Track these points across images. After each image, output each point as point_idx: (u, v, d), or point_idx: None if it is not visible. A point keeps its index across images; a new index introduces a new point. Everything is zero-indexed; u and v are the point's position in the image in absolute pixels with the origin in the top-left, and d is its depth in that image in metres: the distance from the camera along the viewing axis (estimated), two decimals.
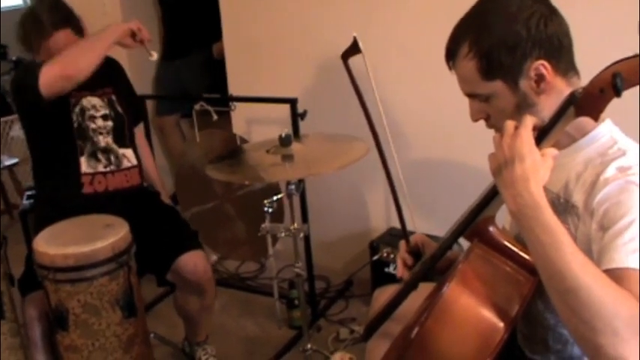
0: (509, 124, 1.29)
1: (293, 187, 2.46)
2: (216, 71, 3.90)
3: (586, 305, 1.12)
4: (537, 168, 1.23)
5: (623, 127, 1.43)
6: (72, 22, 2.49)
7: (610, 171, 1.30)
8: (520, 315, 1.36)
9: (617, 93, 1.20)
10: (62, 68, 2.31)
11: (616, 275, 1.16)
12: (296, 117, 2.93)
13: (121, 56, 4.25)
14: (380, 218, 3.29)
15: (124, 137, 2.71)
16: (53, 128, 2.56)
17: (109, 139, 2.65)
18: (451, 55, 1.45)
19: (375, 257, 3.10)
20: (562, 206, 1.39)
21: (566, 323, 1.18)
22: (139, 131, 2.93)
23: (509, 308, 1.35)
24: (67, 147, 2.57)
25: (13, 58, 7.09)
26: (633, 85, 1.21)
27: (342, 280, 3.52)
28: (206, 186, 3.20)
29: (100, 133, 2.63)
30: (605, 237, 1.24)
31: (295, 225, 2.52)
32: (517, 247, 1.40)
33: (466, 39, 1.40)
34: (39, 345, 2.28)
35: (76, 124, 2.58)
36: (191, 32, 4.23)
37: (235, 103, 3.39)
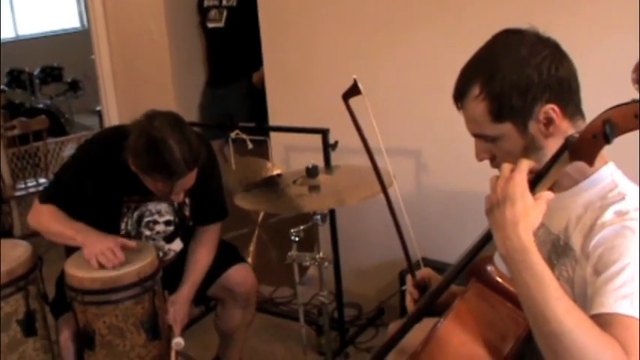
0: (506, 167, 1.31)
1: (319, 217, 2.51)
2: (258, 99, 3.97)
3: (569, 350, 1.14)
4: (528, 212, 1.25)
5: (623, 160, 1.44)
6: (200, 161, 2.27)
7: (608, 215, 1.31)
8: (514, 354, 1.38)
9: (607, 140, 1.22)
10: (32, 221, 2.44)
11: (604, 320, 1.18)
12: (327, 147, 2.98)
13: (166, 82, 4.41)
14: (411, 248, 3.30)
15: (176, 236, 2.58)
16: (97, 225, 2.39)
17: (160, 243, 2.53)
18: (460, 95, 1.45)
19: (404, 287, 3.09)
20: (561, 248, 1.41)
21: None
22: (214, 231, 2.63)
23: (503, 347, 1.37)
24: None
25: (68, 80, 7.34)
26: (626, 131, 1.23)
27: (373, 307, 3.54)
28: (242, 212, 3.27)
29: (153, 239, 2.50)
30: (598, 281, 1.25)
31: (321, 254, 2.56)
32: (514, 287, 1.42)
33: (477, 81, 1.41)
34: None
35: (123, 232, 2.46)
36: (234, 61, 4.31)
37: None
